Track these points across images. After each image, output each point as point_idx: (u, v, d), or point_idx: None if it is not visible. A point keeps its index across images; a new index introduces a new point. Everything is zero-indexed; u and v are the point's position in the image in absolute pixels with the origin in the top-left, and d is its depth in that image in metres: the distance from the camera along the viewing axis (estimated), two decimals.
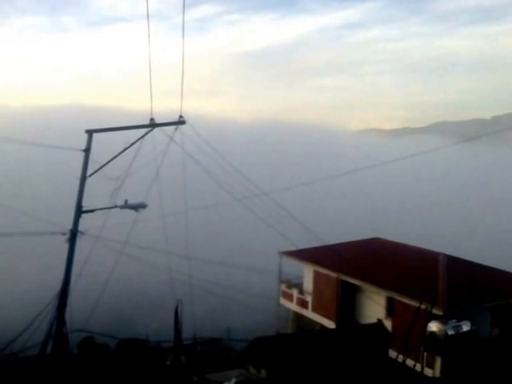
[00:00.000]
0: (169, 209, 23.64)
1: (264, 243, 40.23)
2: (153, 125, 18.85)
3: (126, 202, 19.07)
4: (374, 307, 27.51)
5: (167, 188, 22.18)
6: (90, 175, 18.82)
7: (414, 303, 22.63)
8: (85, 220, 19.11)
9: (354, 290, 29.30)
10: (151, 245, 22.93)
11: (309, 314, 31.87)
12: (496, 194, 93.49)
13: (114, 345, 22.34)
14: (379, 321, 23.19)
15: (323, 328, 29.82)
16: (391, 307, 26.74)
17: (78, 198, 18.92)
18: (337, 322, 29.37)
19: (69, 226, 18.98)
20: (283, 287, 33.90)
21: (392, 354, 20.24)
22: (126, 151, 19.14)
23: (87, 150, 18.77)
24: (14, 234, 21.06)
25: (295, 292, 33.08)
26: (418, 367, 21.09)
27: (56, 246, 19.93)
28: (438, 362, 22.67)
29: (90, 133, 18.89)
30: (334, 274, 29.81)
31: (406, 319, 21.39)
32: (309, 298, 31.94)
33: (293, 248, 29.25)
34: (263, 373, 18.04)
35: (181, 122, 18.91)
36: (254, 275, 30.79)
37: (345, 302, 29.45)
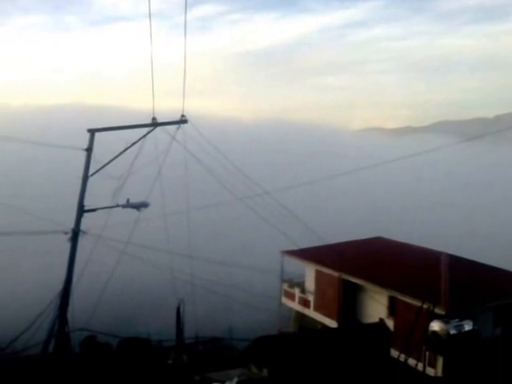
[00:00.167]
0: (171, 208, 23.69)
1: (266, 242, 40.19)
2: (155, 124, 18.84)
3: (127, 201, 19.05)
4: (375, 306, 27.50)
5: (169, 187, 22.21)
6: (92, 174, 18.83)
7: (416, 303, 22.56)
8: (87, 219, 19.13)
9: (356, 290, 29.30)
10: (153, 244, 22.93)
11: (311, 313, 31.88)
12: (499, 194, 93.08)
13: (116, 344, 22.45)
14: (381, 320, 23.24)
15: (325, 327, 29.82)
16: (393, 307, 26.71)
17: (80, 197, 18.94)
18: (339, 322, 29.38)
19: (71, 225, 19.01)
20: (285, 286, 33.92)
21: (394, 353, 20.26)
22: (128, 150, 19.11)
23: (89, 150, 18.77)
24: (15, 234, 21.06)
25: (297, 291, 33.09)
26: (420, 367, 21.02)
27: (58, 245, 19.94)
28: (440, 361, 22.68)
29: (92, 132, 18.89)
30: (336, 274, 29.80)
31: (408, 319, 21.36)
32: (311, 298, 31.95)
33: (295, 247, 29.24)
34: (265, 372, 18.08)
35: (183, 121, 18.89)
36: (255, 274, 30.80)
37: (347, 302, 29.46)
